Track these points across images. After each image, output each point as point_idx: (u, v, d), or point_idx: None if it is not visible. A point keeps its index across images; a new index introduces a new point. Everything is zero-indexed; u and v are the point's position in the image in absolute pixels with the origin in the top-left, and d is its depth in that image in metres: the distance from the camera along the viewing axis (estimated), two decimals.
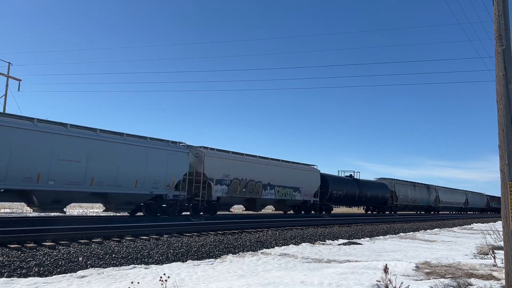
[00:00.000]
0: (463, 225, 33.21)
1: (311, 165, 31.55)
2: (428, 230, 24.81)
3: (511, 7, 6.17)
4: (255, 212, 27.74)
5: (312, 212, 31.02)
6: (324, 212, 31.83)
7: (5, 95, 33.06)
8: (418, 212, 52.19)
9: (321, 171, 32.46)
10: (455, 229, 27.91)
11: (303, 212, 30.09)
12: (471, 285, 7.18)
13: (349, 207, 41.49)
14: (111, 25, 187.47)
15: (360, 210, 48.19)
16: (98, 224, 14.43)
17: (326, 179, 32.39)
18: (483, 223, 36.84)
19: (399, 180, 45.98)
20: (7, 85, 33.19)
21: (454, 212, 65.17)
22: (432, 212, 53.81)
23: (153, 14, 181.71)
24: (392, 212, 43.20)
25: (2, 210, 24.68)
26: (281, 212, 31.73)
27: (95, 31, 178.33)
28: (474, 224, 35.13)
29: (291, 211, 30.60)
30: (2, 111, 32.50)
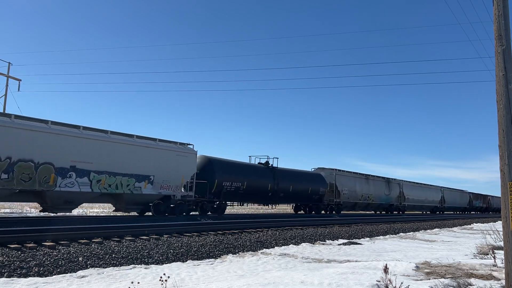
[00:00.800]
0: (463, 225, 33.26)
1: (182, 143, 20.97)
2: (428, 230, 24.82)
3: (511, 7, 6.17)
4: (53, 215, 17.90)
5: (197, 212, 22.29)
6: (210, 213, 22.55)
7: (5, 95, 33.09)
8: (378, 212, 43.37)
9: (206, 154, 23.14)
10: (455, 229, 27.91)
11: (167, 214, 19.89)
12: (471, 285, 7.18)
13: (264, 205, 29.03)
14: (111, 25, 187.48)
15: (287, 209, 37.85)
16: (98, 224, 14.43)
17: (211, 165, 22.47)
18: (483, 223, 36.92)
19: (343, 171, 35.99)
20: (7, 85, 33.22)
21: (427, 212, 54.81)
22: (396, 212, 44.27)
23: (153, 14, 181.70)
24: (334, 212, 33.51)
25: (2, 210, 24.67)
26: (126, 213, 20.44)
27: (95, 31, 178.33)
28: (474, 224, 35.20)
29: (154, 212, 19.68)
30: (2, 111, 32.56)
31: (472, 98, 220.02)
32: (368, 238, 17.93)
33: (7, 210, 24.91)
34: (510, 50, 5.90)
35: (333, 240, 16.07)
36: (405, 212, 46.34)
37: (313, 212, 32.23)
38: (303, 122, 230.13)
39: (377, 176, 41.07)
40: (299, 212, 32.88)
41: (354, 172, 37.50)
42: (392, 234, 20.64)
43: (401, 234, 21.31)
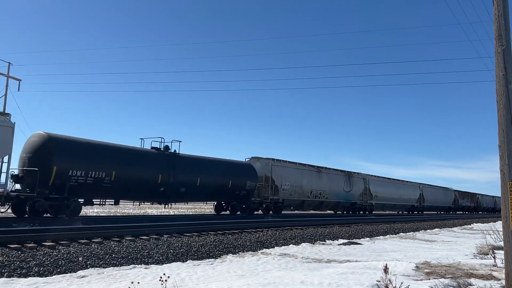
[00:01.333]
0: (463, 225, 33.28)
1: None
2: (428, 230, 24.82)
3: (511, 7, 6.17)
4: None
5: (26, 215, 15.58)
6: (51, 215, 16.22)
7: (5, 95, 33.09)
8: (339, 212, 37.06)
9: (47, 132, 16.52)
10: (455, 229, 27.92)
11: None
12: (471, 285, 7.18)
13: (158, 203, 22.18)
14: (111, 25, 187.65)
15: (207, 208, 32.35)
16: (98, 224, 14.43)
17: (48, 146, 16.12)
18: (483, 223, 36.93)
19: (284, 161, 29.09)
20: (7, 85, 33.18)
21: (403, 212, 48.90)
22: (361, 212, 37.77)
23: (153, 14, 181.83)
24: (271, 212, 26.95)
25: (3, 210, 24.60)
26: None
27: (95, 31, 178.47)
28: (474, 224, 35.22)
29: None
30: (2, 111, 32.56)
31: (472, 98, 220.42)
32: (368, 238, 17.92)
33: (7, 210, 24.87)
34: (510, 50, 5.90)
35: (333, 240, 16.07)
36: (373, 212, 39.67)
37: (239, 213, 25.26)
38: (303, 122, 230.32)
39: (333, 169, 34.72)
40: (222, 213, 25.92)
41: (300, 163, 30.83)
42: (392, 234, 20.65)
43: (401, 234, 21.31)
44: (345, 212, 36.99)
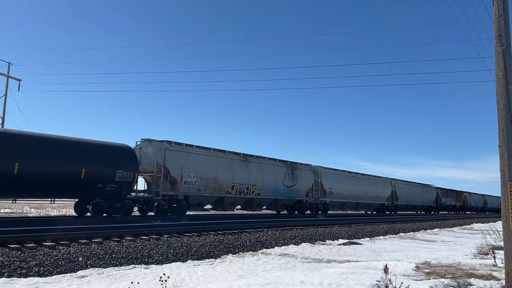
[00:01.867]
0: (463, 225, 33.31)
1: None
2: (428, 230, 24.83)
3: (511, 7, 6.17)
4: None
5: None
6: None
7: (5, 95, 33.15)
8: (284, 212, 30.25)
9: None
10: (455, 229, 27.93)
11: None
12: (471, 285, 7.18)
13: None
14: (111, 25, 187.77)
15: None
16: (98, 224, 14.43)
17: None
18: (483, 223, 36.97)
19: (189, 145, 21.99)
20: (7, 85, 33.30)
21: (372, 212, 42.40)
22: (312, 212, 30.97)
23: (153, 14, 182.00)
24: (169, 214, 20.30)
25: (2, 210, 24.65)
26: None
27: (95, 31, 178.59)
28: (474, 224, 35.25)
29: None
30: (2, 111, 32.62)
31: (472, 98, 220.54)
32: (368, 238, 17.93)
33: (7, 210, 24.90)
34: (510, 50, 5.90)
35: (333, 240, 16.07)
36: (329, 212, 33.15)
37: (108, 215, 17.82)
38: (303, 122, 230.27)
39: (268, 158, 27.49)
40: (87, 215, 18.23)
41: (216, 149, 23.56)
42: (392, 234, 20.65)
43: (401, 234, 21.31)
44: (282, 212, 30.65)
